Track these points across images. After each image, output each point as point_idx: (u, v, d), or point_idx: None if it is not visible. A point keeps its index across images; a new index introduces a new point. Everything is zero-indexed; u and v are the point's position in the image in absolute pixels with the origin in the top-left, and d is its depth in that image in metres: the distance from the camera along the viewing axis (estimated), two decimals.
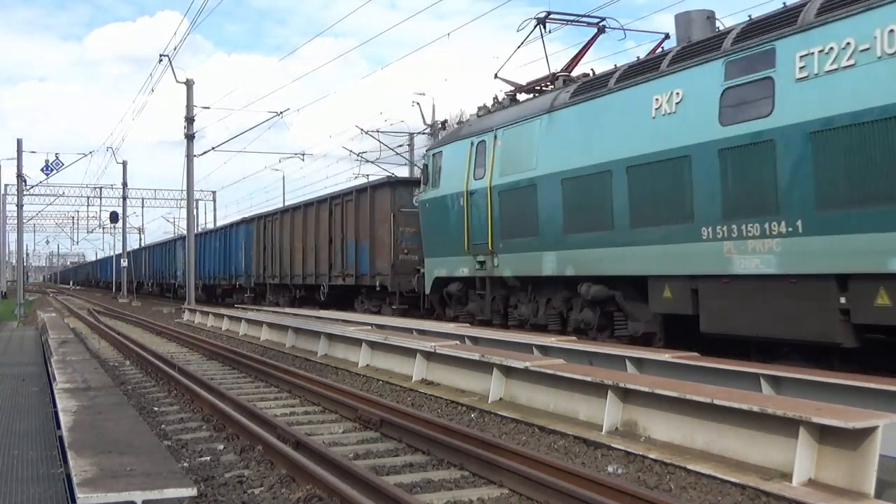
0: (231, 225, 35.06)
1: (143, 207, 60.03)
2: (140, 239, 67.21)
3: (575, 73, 13.63)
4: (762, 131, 8.70)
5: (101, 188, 53.58)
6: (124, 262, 48.30)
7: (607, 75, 11.67)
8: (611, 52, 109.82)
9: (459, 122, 17.44)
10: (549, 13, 13.84)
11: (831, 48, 8.04)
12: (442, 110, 69.30)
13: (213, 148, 30.95)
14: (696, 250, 9.46)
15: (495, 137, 13.44)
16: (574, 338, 10.89)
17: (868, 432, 5.08)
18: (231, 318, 21.63)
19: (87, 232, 71.11)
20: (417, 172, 22.46)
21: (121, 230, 52.43)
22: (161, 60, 27.91)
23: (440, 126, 35.18)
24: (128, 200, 50.76)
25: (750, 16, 9.61)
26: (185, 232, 33.84)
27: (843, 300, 7.91)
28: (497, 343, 11.25)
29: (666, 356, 8.63)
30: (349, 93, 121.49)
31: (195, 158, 29.79)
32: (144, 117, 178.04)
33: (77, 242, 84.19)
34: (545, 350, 10.44)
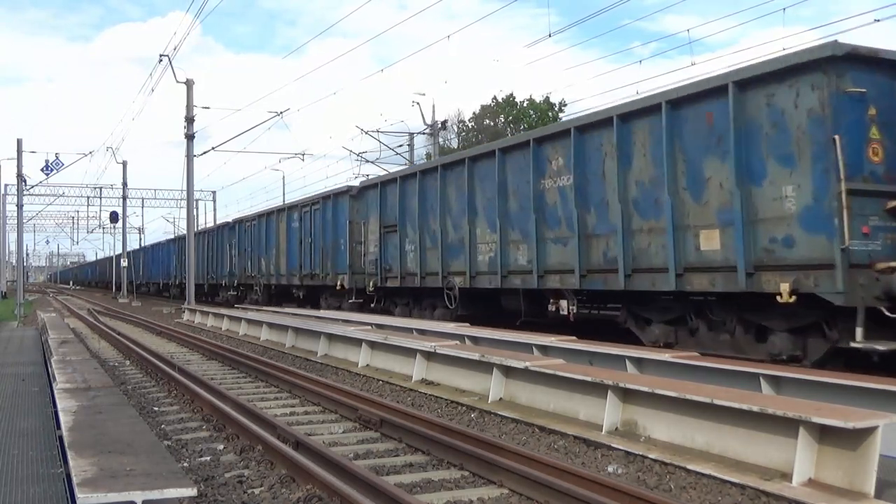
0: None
1: (143, 207, 60.08)
2: (140, 239, 67.26)
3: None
4: None
5: (101, 188, 53.60)
6: (124, 262, 48.27)
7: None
8: (615, 52, 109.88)
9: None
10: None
11: None
12: (442, 110, 69.41)
13: (213, 148, 31.00)
14: None
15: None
16: (574, 337, 10.89)
17: (868, 432, 5.08)
18: (231, 318, 21.63)
19: (88, 232, 71.10)
20: None
21: (121, 230, 52.46)
22: (161, 60, 27.95)
23: (440, 126, 35.21)
24: (128, 200, 50.79)
25: None
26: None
27: None
28: (497, 343, 11.26)
29: (666, 356, 8.63)
30: (350, 93, 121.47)
31: (195, 158, 29.83)
32: (146, 117, 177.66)
33: (77, 242, 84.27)
34: (545, 350, 10.44)
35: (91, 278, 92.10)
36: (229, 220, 36.07)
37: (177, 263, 42.46)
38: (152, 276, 53.51)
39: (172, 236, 50.61)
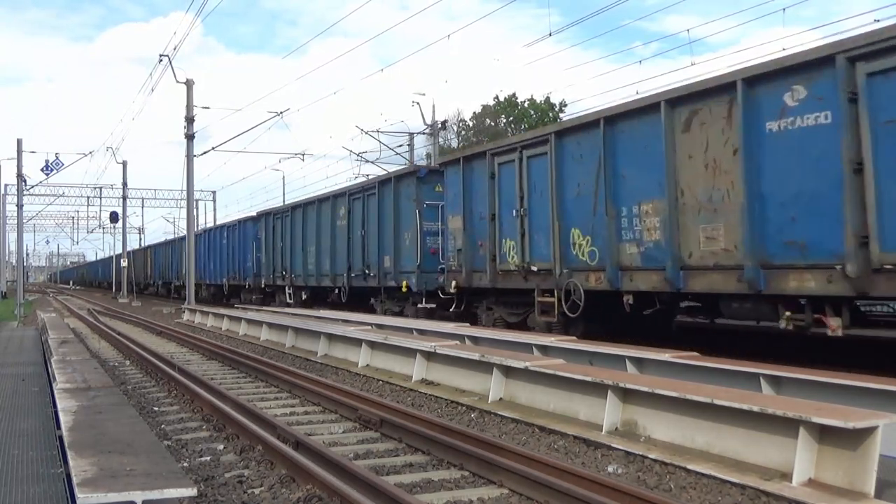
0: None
1: (143, 207, 60.12)
2: (140, 239, 67.19)
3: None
4: None
5: (101, 188, 53.63)
6: (124, 262, 48.27)
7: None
8: (615, 52, 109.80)
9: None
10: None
11: None
12: (442, 110, 69.44)
13: (213, 148, 30.99)
14: None
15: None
16: (574, 338, 10.89)
17: (868, 432, 5.08)
18: (231, 318, 21.63)
19: (88, 232, 71.17)
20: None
21: (121, 230, 52.45)
22: (161, 60, 27.96)
23: (440, 126, 35.21)
24: (128, 200, 50.79)
25: None
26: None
27: None
28: (497, 343, 11.26)
29: (666, 356, 8.62)
30: (350, 93, 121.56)
31: (195, 158, 29.83)
32: (146, 117, 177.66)
33: (77, 242, 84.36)
34: (545, 350, 10.44)
35: (103, 278, 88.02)
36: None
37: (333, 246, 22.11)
38: (213, 273, 37.02)
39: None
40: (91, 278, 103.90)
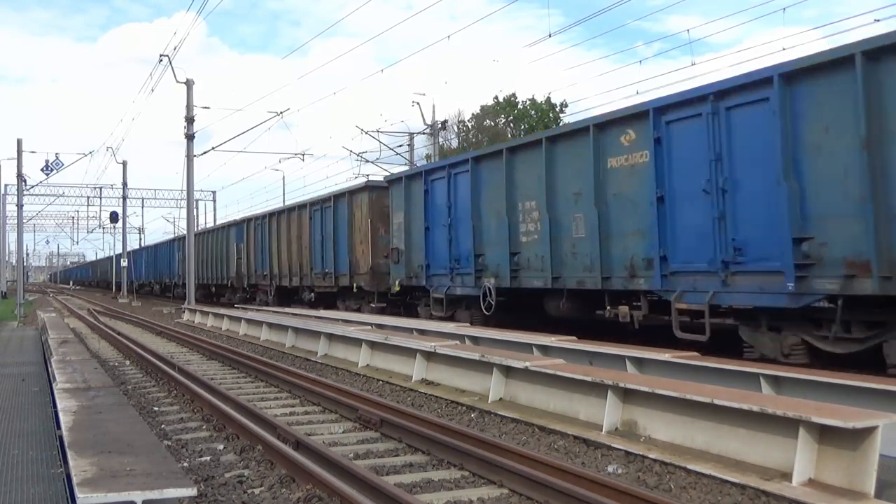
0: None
1: (143, 207, 60.10)
2: (140, 239, 67.21)
3: None
4: None
5: (101, 188, 53.60)
6: (124, 262, 48.26)
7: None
8: (617, 52, 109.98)
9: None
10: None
11: None
12: (442, 110, 69.46)
13: (213, 148, 30.95)
14: None
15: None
16: (574, 338, 10.89)
17: (868, 432, 5.08)
18: (231, 318, 21.63)
19: (87, 232, 71.19)
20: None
21: (121, 230, 52.44)
22: (161, 60, 27.95)
23: (440, 126, 35.21)
24: (128, 200, 50.78)
25: None
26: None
27: None
28: (497, 343, 11.25)
29: (666, 356, 8.62)
30: (351, 93, 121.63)
31: (195, 158, 29.82)
32: (146, 117, 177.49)
33: (77, 242, 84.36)
34: (545, 350, 10.44)
35: (101, 278, 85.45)
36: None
37: None
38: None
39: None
40: (101, 277, 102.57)
